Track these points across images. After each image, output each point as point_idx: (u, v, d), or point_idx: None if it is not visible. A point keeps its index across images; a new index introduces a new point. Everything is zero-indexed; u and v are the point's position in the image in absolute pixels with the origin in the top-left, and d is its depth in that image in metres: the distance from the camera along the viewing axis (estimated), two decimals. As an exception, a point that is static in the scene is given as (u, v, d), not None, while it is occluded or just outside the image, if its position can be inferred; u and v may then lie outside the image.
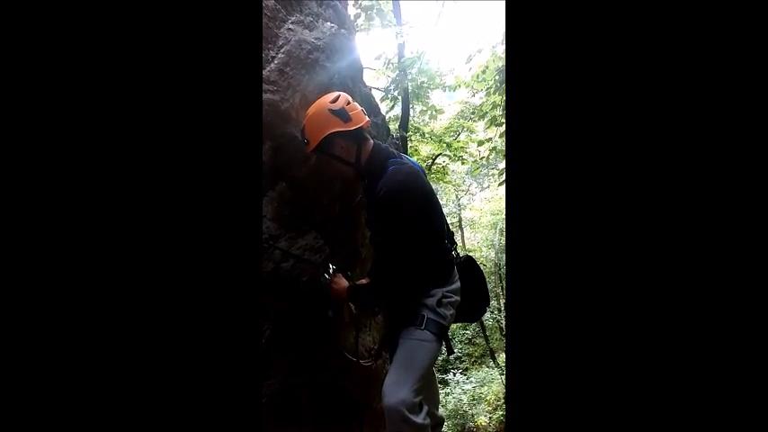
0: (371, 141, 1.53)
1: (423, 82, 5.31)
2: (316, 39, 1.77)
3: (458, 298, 1.55)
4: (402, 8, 5.62)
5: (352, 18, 3.49)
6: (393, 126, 4.81)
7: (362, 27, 5.21)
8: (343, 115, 1.45)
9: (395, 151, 1.54)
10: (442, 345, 1.50)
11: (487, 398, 7.49)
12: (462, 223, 10.14)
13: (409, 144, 5.79)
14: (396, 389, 1.37)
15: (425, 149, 6.88)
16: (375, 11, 5.10)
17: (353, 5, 4.92)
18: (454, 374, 8.53)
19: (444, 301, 1.49)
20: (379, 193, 1.36)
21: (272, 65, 1.59)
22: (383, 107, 4.78)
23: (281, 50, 1.64)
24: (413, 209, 1.39)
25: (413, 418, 1.34)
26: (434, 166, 6.87)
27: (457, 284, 1.57)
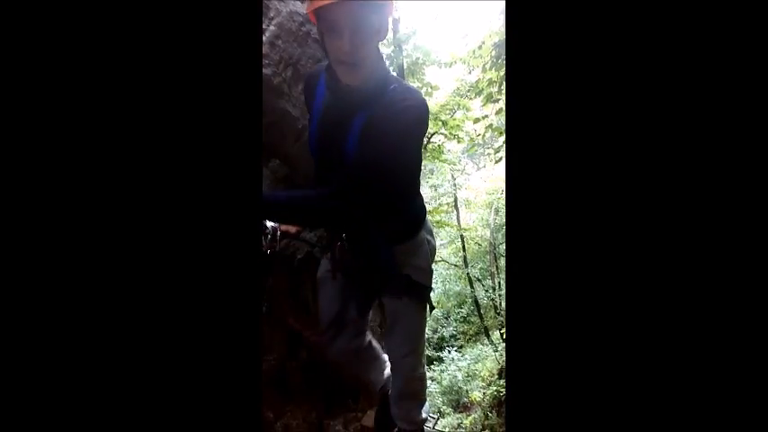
0: None
1: (418, 58, 5.23)
2: (308, 10, 1.72)
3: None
4: (397, -18, 5.48)
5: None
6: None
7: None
8: None
9: None
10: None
11: (482, 374, 7.63)
12: (458, 203, 10.14)
13: (404, 122, 5.71)
14: (412, 361, 1.41)
15: (421, 128, 6.78)
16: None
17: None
18: (449, 352, 8.66)
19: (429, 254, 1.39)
20: (395, 105, 1.05)
21: (263, 38, 1.54)
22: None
23: (273, 22, 1.59)
24: (421, 137, 1.18)
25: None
26: (430, 145, 6.82)
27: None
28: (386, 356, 1.64)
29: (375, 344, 1.60)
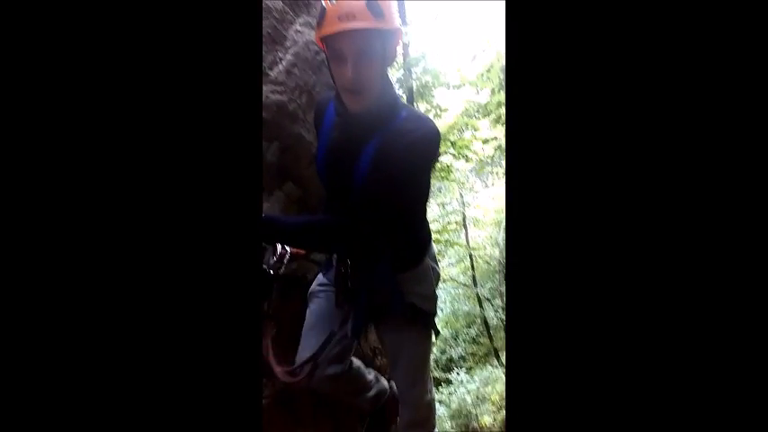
0: None
1: (427, 81, 5.31)
2: (323, 39, 1.78)
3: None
4: (407, 8, 5.62)
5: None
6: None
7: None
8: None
9: None
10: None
11: (492, 397, 7.49)
12: (466, 221, 10.13)
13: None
14: (419, 390, 1.39)
15: (430, 148, 6.82)
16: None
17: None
18: (458, 374, 8.52)
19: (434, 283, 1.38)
20: (406, 135, 1.06)
21: (281, 66, 1.61)
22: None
23: (289, 51, 1.66)
24: (431, 167, 1.21)
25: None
26: (438, 165, 6.86)
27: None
28: (372, 376, 1.58)
29: (358, 364, 1.53)
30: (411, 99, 5.41)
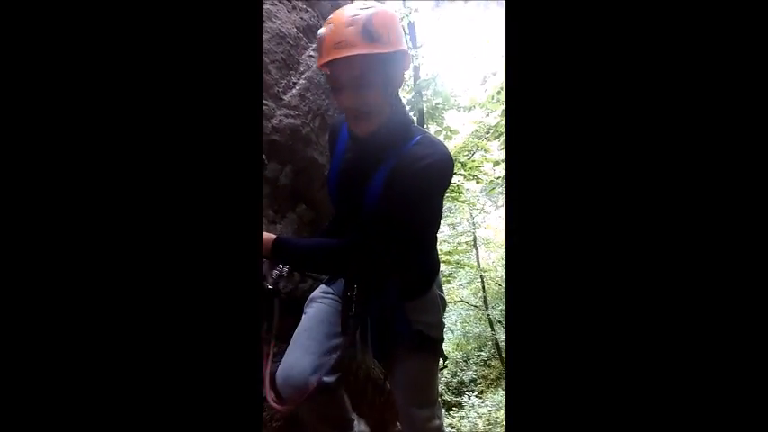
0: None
1: (437, 103, 5.38)
2: (336, 65, 1.83)
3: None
4: (417, 30, 5.74)
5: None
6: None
7: (378, 50, 5.31)
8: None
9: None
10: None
11: (504, 422, 7.31)
12: (477, 242, 10.08)
13: (424, 164, 5.82)
14: (426, 413, 1.33)
15: (440, 169, 6.86)
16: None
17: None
18: (469, 397, 8.36)
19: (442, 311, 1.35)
20: (419, 161, 1.04)
21: (294, 90, 1.65)
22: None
23: (303, 77, 1.70)
24: (443, 193, 1.19)
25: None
26: (449, 186, 6.87)
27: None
28: (354, 416, 1.44)
29: (345, 396, 1.42)
30: (422, 121, 5.48)
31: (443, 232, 9.63)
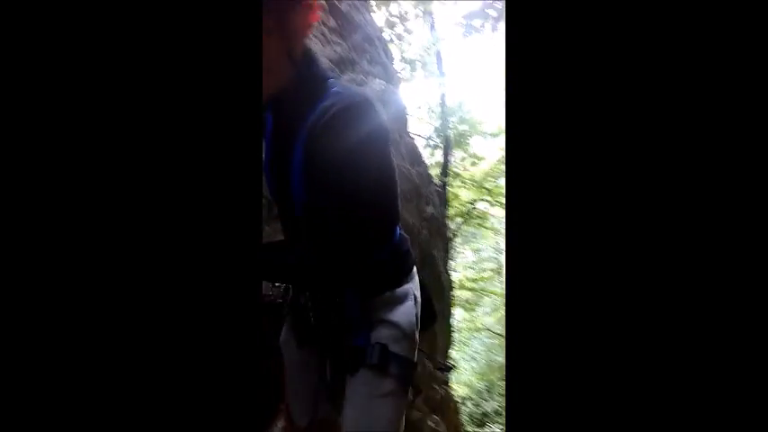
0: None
1: (464, 130, 5.45)
2: (365, 94, 1.91)
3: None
4: (444, 59, 5.87)
5: (397, 70, 3.68)
6: (434, 172, 4.91)
7: (406, 78, 5.46)
8: None
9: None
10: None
11: (528, 458, 6.99)
12: (502, 269, 9.92)
13: (449, 189, 5.86)
14: None
15: (465, 195, 6.91)
16: (420, 64, 5.35)
17: (400, 61, 5.19)
18: (492, 430, 8.08)
19: (417, 312, 0.98)
20: (322, 117, 0.83)
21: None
22: (425, 154, 4.91)
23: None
24: (380, 150, 0.89)
25: None
26: (474, 212, 6.87)
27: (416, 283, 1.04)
28: None
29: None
30: (448, 147, 5.53)
31: (467, 258, 9.54)
